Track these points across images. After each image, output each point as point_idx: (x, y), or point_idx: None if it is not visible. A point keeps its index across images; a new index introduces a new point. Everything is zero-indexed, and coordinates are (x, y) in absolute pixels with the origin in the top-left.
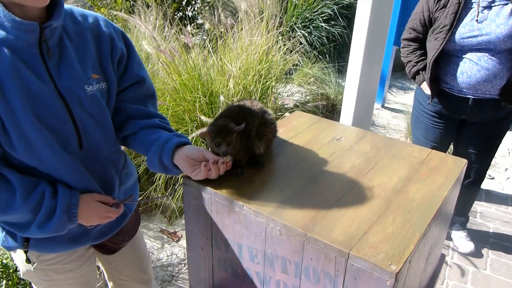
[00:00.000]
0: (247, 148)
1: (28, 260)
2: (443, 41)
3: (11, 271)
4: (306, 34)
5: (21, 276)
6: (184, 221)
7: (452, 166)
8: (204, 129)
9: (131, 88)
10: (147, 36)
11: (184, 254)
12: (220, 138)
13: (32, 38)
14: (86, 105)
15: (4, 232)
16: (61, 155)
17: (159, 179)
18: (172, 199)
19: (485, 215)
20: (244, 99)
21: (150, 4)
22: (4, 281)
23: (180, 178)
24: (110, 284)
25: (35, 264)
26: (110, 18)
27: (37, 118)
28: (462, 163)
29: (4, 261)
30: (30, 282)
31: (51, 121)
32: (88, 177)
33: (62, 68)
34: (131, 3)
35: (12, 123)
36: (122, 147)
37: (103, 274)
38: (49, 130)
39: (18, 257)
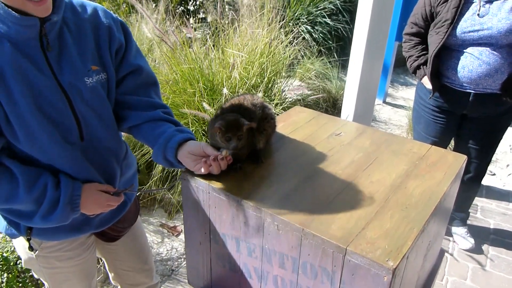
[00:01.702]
0: (250, 143)
1: (30, 248)
2: (445, 35)
3: (11, 264)
4: (310, 29)
5: (23, 265)
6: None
7: (451, 162)
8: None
9: (129, 78)
10: (149, 28)
11: (184, 248)
12: (231, 133)
13: (33, 32)
14: (86, 97)
15: (7, 220)
16: (62, 145)
17: (158, 172)
18: (171, 192)
19: (486, 211)
20: (245, 94)
21: None
22: (5, 274)
23: (179, 172)
24: (111, 275)
25: (37, 251)
26: (114, 7)
27: (38, 109)
28: (462, 159)
29: (5, 254)
30: (30, 275)
31: (52, 113)
32: (89, 168)
33: (62, 61)
34: None
35: (14, 113)
36: (123, 137)
37: (104, 266)
38: (50, 121)
39: (20, 245)
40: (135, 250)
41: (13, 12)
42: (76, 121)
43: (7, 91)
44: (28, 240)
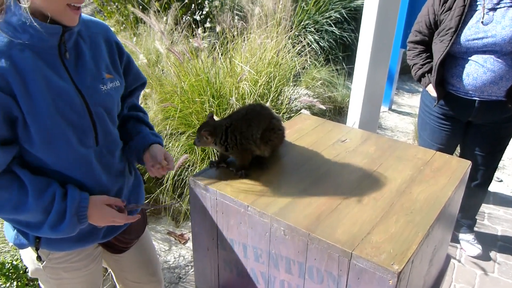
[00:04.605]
0: (247, 150)
1: (39, 258)
2: (449, 43)
3: (21, 272)
4: (317, 37)
5: (30, 275)
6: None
7: (456, 167)
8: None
9: (136, 89)
10: (158, 37)
11: (191, 256)
12: (197, 132)
13: (54, 40)
14: (101, 102)
15: (15, 230)
16: (77, 149)
17: (166, 181)
18: (179, 204)
19: (493, 218)
20: (255, 103)
21: (160, 10)
22: (15, 282)
23: (187, 181)
24: (118, 286)
25: (45, 262)
26: (123, 18)
27: (58, 113)
28: (466, 164)
29: (14, 262)
30: (39, 284)
31: (71, 116)
32: (100, 173)
33: (79, 68)
34: (141, 7)
35: (33, 117)
36: None
37: (111, 275)
38: (68, 124)
39: (28, 255)
40: (143, 262)
41: (38, 20)
42: (92, 124)
43: (28, 96)
44: (36, 250)
